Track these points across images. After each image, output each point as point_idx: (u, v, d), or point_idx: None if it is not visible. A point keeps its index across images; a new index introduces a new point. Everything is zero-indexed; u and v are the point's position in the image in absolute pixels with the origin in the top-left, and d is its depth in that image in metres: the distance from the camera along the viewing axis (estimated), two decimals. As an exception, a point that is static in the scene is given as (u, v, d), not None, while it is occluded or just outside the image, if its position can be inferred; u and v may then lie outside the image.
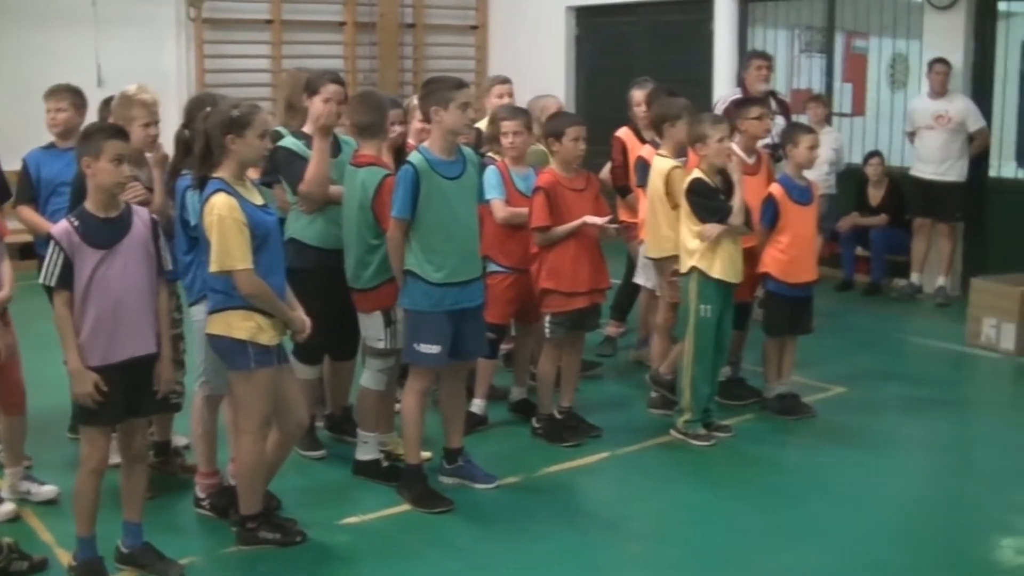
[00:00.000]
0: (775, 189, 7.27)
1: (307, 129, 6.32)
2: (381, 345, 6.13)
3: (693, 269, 6.82)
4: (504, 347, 7.43)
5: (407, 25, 15.61)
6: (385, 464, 6.29)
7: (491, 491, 6.13)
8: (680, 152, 7.17)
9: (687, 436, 6.92)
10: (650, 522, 5.92)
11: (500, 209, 6.85)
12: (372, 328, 6.13)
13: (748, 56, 10.23)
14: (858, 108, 13.18)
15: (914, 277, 11.44)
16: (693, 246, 6.80)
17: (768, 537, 5.72)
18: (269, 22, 14.59)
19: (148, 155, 6.03)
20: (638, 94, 8.23)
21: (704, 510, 6.06)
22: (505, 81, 8.33)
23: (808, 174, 7.49)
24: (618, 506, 6.20)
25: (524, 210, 6.76)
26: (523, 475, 6.37)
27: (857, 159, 12.08)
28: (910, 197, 11.50)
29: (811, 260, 7.42)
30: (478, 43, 16.22)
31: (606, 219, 6.64)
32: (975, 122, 11.06)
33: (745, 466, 6.72)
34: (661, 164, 7.15)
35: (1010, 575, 5.48)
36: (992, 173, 11.72)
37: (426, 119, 5.92)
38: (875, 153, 11.86)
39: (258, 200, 5.24)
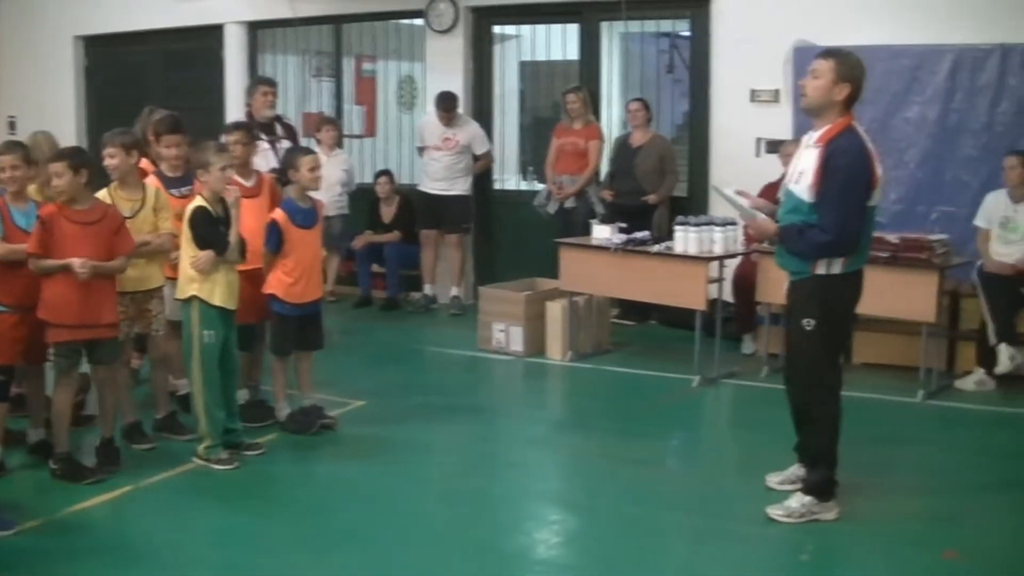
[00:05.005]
0: (278, 215, 7.39)
1: None
2: None
3: (193, 297, 6.87)
4: (16, 390, 7.19)
5: (-95, 56, 14.76)
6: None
7: (11, 537, 5.91)
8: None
9: (209, 461, 6.94)
10: (179, 550, 5.86)
11: (-4, 246, 6.63)
12: None
13: (254, 82, 10.36)
14: (369, 129, 13.61)
15: (427, 289, 11.95)
16: (192, 274, 6.83)
17: (300, 551, 5.81)
18: None
19: None
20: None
21: (233, 532, 6.10)
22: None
23: (322, 195, 7.64)
24: (146, 538, 6.11)
25: (22, 247, 6.49)
26: (44, 518, 6.17)
27: (369, 179, 12.49)
28: (419, 211, 11.98)
29: (316, 279, 7.61)
30: (-15, 74, 15.54)
31: (80, 261, 6.39)
32: (481, 146, 11.73)
33: (271, 484, 6.84)
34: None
35: (525, 559, 5.82)
36: (496, 186, 12.45)
37: None
38: (385, 172, 12.31)
39: None
